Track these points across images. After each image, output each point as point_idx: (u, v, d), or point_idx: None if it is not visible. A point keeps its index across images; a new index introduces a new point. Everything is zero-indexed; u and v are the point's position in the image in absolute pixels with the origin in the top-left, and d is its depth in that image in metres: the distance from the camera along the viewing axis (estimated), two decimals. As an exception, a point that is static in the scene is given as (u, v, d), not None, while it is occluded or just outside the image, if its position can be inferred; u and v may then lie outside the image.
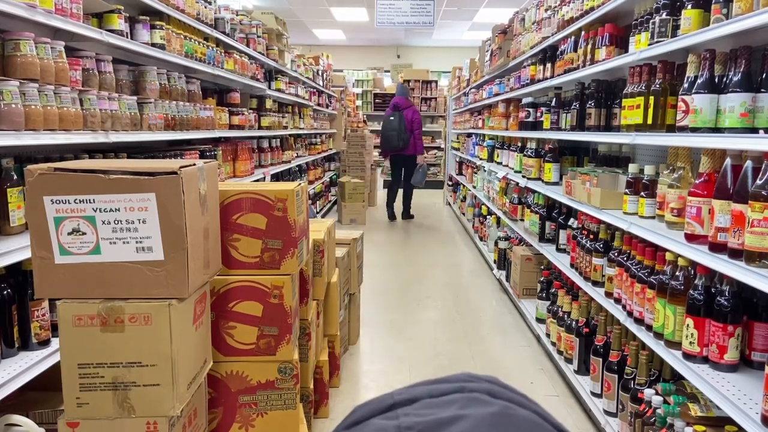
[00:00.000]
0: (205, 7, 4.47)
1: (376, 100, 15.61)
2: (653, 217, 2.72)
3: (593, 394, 3.14)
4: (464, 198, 9.65)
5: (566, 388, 3.63)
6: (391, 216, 9.78)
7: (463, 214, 9.62)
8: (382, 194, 12.86)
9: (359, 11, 11.89)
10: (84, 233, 1.76)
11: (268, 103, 6.48)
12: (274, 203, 2.36)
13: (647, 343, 2.50)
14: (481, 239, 7.65)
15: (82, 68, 2.82)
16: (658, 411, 2.34)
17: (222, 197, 2.30)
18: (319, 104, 10.07)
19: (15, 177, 2.30)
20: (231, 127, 5.13)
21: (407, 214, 9.88)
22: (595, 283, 3.24)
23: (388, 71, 16.28)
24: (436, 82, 15.50)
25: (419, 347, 4.35)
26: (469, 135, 9.51)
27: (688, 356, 2.19)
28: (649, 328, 2.51)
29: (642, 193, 2.80)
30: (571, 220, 4.00)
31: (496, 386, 0.42)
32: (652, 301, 2.46)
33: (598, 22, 3.46)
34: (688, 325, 2.19)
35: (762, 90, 1.99)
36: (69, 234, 1.76)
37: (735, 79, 2.05)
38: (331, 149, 11.20)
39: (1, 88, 2.16)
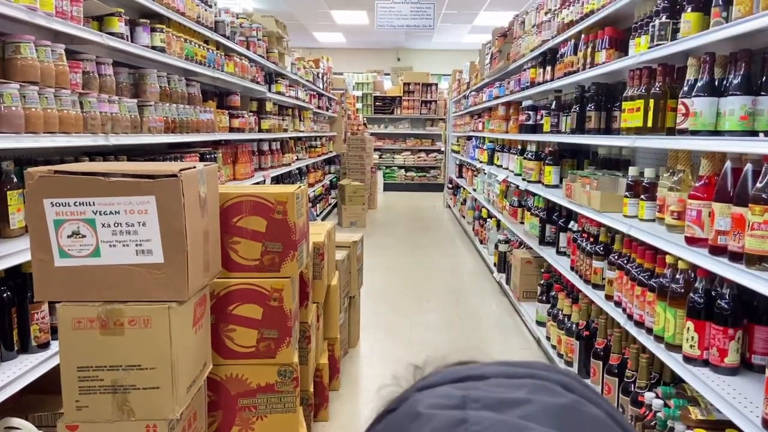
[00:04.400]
0: (206, 10, 4.47)
1: (377, 103, 15.62)
2: (653, 220, 2.72)
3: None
4: (464, 201, 9.65)
5: (566, 391, 3.62)
6: None
7: (463, 216, 9.62)
8: (382, 197, 12.87)
9: (359, 14, 11.90)
10: (84, 236, 1.76)
11: (268, 106, 6.48)
12: (274, 206, 2.35)
13: (648, 346, 2.50)
14: (481, 242, 7.64)
15: (83, 71, 2.82)
16: (659, 414, 2.34)
17: (222, 200, 2.30)
18: (319, 107, 10.07)
19: (15, 180, 2.30)
20: (231, 129, 5.13)
21: None
22: (596, 286, 3.24)
23: (389, 74, 16.28)
24: (436, 85, 15.52)
25: (419, 350, 4.34)
26: (469, 138, 9.51)
27: (688, 359, 2.19)
28: (649, 331, 2.50)
29: (642, 196, 2.80)
30: (572, 223, 3.99)
31: (572, 380, 0.42)
32: (653, 304, 2.45)
33: (597, 25, 3.46)
34: (688, 328, 2.18)
35: (762, 93, 1.99)
36: (69, 237, 1.76)
37: (735, 82, 2.05)
38: (331, 152, 11.20)
39: (2, 91, 2.16)
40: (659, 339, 2.39)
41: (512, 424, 0.35)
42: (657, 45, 2.56)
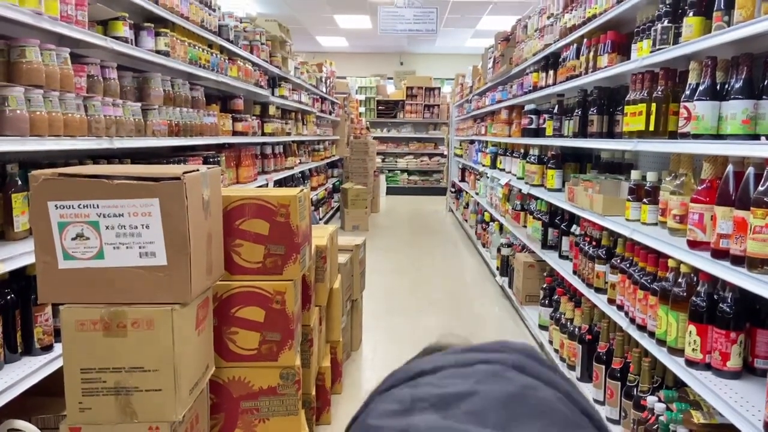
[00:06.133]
0: (210, 15, 4.49)
1: (379, 107, 15.65)
2: (655, 224, 2.72)
3: (596, 401, 3.13)
4: (467, 205, 9.65)
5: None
6: None
7: (466, 220, 9.62)
8: (384, 201, 12.88)
9: (362, 18, 11.93)
10: (88, 238, 1.77)
11: (272, 110, 6.50)
12: (276, 209, 2.36)
13: (650, 350, 2.50)
14: (483, 246, 7.64)
15: (87, 75, 2.84)
16: (661, 418, 2.33)
17: (225, 203, 2.31)
18: (322, 111, 10.09)
19: (20, 182, 2.31)
20: (234, 133, 5.14)
21: None
22: (598, 290, 3.24)
23: (391, 78, 16.31)
24: (439, 89, 15.54)
25: (421, 354, 4.34)
26: (471, 142, 9.52)
27: (690, 363, 2.19)
28: (651, 335, 2.50)
29: (644, 200, 2.80)
30: (574, 226, 3.99)
31: (528, 359, 0.40)
32: (655, 307, 2.45)
33: (600, 30, 3.47)
34: (690, 332, 2.18)
35: (764, 97, 2.00)
36: (73, 239, 1.77)
37: (737, 86, 2.05)
38: (334, 156, 11.21)
39: (7, 94, 2.18)
40: (661, 343, 2.39)
41: (452, 430, 0.35)
42: (659, 49, 2.56)
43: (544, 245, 4.48)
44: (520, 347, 0.42)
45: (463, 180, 10.71)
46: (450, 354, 0.42)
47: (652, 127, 2.64)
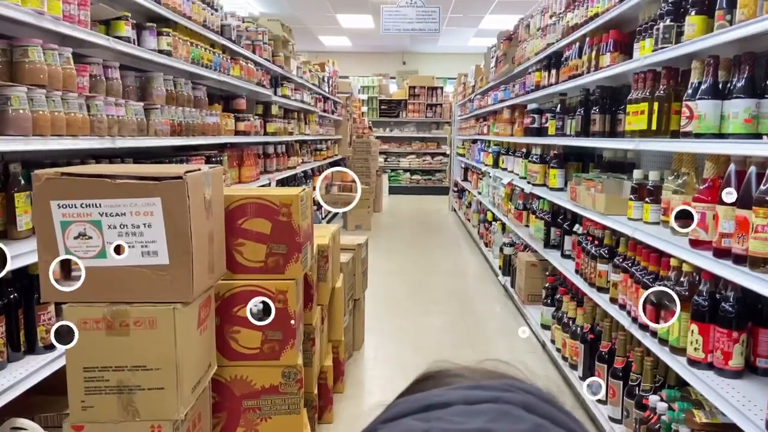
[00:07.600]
0: (212, 14, 4.50)
1: (382, 107, 15.65)
2: (658, 223, 2.71)
3: (598, 400, 3.13)
4: (469, 204, 9.65)
5: (571, 394, 3.61)
6: None
7: (468, 220, 9.61)
8: (387, 200, 12.88)
9: (365, 18, 11.93)
10: (90, 237, 1.77)
11: (274, 110, 6.50)
12: (278, 208, 2.37)
13: (652, 349, 2.50)
14: (486, 245, 7.64)
15: (90, 74, 2.85)
16: (663, 417, 2.33)
17: (227, 202, 2.31)
18: (324, 110, 10.09)
19: (22, 182, 2.32)
20: (237, 133, 5.15)
21: None
22: (600, 289, 3.23)
23: (394, 78, 16.30)
24: (441, 88, 15.53)
25: (423, 353, 4.34)
26: (474, 141, 9.52)
27: (692, 362, 2.19)
28: (653, 334, 2.50)
29: (646, 199, 2.80)
30: (576, 226, 3.99)
31: (536, 399, 0.41)
32: (657, 307, 2.45)
33: (602, 29, 3.46)
34: (692, 331, 2.18)
35: (766, 96, 1.99)
36: (75, 238, 1.77)
37: (739, 84, 2.05)
38: (336, 155, 11.22)
39: (10, 94, 2.18)
40: (664, 342, 2.39)
41: None
42: (661, 48, 2.56)
43: (547, 244, 4.47)
44: (528, 387, 0.43)
45: (465, 179, 10.71)
46: (457, 389, 0.43)
47: (654, 127, 2.64)
